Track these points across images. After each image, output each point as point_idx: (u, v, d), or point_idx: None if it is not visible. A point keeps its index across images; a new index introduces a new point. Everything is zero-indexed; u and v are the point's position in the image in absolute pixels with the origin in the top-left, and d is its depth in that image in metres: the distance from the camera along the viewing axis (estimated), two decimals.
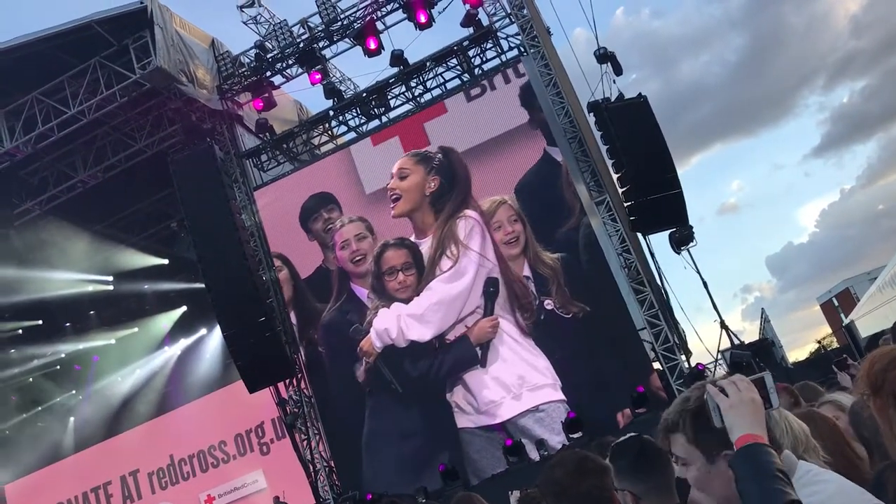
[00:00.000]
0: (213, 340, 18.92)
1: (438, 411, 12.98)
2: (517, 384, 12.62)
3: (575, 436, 11.56)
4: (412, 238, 13.60)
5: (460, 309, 13.07)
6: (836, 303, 42.18)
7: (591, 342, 12.68)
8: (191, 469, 18.14)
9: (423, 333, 13.20)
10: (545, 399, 12.46)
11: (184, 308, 19.74)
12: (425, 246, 13.46)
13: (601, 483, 2.39)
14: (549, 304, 12.78)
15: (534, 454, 11.98)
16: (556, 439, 12.01)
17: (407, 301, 13.37)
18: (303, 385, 14.39)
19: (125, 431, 19.12)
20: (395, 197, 13.68)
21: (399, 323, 13.26)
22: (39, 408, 20.28)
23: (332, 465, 14.03)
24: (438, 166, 13.71)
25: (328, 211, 14.46)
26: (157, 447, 18.39)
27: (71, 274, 18.32)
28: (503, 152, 13.73)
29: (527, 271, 13.01)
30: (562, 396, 12.39)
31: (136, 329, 20.16)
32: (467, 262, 13.11)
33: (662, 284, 13.30)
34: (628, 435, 2.69)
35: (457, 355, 13.02)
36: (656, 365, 12.55)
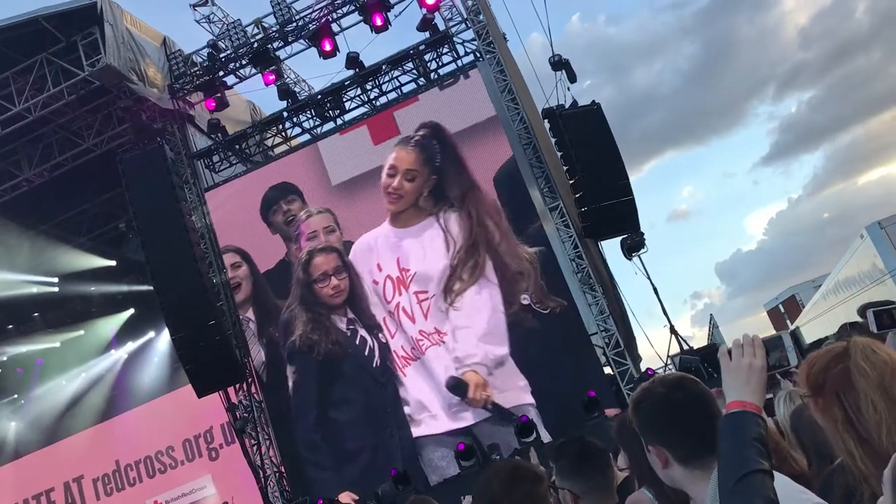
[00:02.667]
0: (160, 344, 18.55)
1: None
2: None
3: (527, 440, 11.55)
4: (386, 223, 13.25)
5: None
6: (782, 309, 43.00)
7: (567, 338, 12.38)
8: (137, 475, 17.78)
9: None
10: (516, 402, 12.05)
11: (131, 311, 19.35)
12: (416, 230, 13.06)
13: (535, 490, 2.41)
14: (525, 299, 12.45)
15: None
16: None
17: (339, 307, 13.13)
18: (253, 390, 14.19)
19: (69, 436, 18.67)
20: (396, 196, 13.18)
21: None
22: None
23: (283, 470, 13.85)
24: (440, 166, 13.17)
25: (288, 202, 14.08)
26: (102, 452, 18.00)
27: (14, 274, 17.87)
28: (483, 141, 13.34)
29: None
30: (531, 400, 12.04)
31: (81, 332, 19.69)
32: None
33: (615, 289, 13.44)
34: (570, 436, 2.73)
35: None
36: (607, 370, 12.66)
